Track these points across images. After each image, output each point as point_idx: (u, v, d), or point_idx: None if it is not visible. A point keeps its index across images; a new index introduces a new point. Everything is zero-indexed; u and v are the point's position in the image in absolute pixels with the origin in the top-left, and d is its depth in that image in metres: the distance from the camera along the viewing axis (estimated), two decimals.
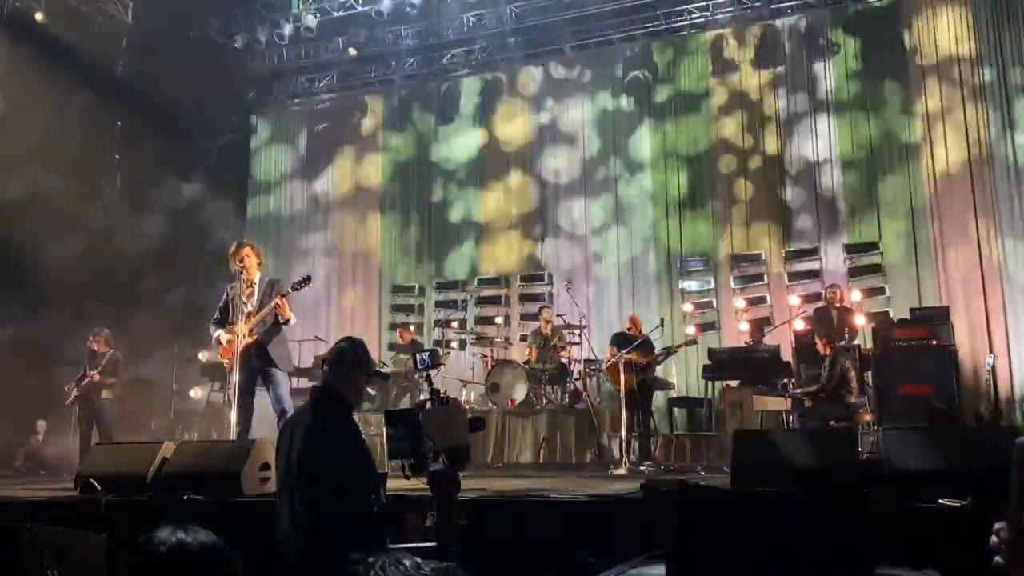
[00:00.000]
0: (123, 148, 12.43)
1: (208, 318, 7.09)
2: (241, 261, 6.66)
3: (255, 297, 6.67)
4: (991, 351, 9.91)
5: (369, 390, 8.92)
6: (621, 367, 8.65)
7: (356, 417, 3.98)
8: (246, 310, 6.60)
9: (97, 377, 9.71)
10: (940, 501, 4.28)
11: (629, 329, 9.52)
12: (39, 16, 11.55)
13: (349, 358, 3.81)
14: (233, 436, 6.49)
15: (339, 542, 3.38)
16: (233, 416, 6.53)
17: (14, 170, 10.41)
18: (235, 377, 6.50)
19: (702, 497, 4.49)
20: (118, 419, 10.12)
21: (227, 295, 6.82)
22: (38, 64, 11.20)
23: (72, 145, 11.13)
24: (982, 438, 5.43)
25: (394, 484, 4.31)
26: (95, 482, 5.70)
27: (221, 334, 6.68)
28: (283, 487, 3.65)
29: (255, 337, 6.55)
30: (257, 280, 6.75)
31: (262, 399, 6.79)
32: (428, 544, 3.40)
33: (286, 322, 6.62)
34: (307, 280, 6.66)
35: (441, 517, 3.56)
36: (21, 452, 11.01)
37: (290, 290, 6.53)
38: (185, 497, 5.34)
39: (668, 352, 9.44)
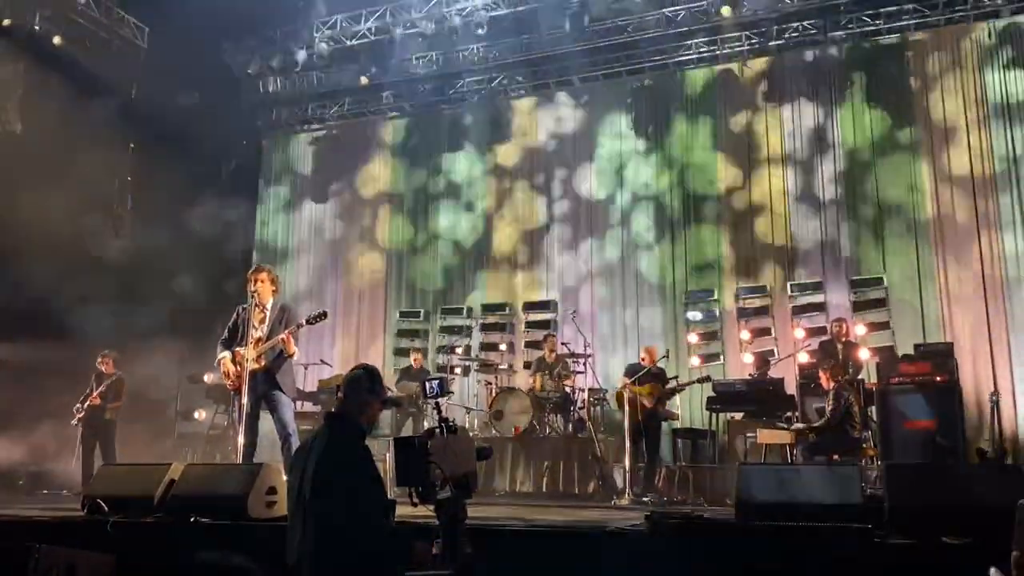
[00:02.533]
0: (135, 170, 12.55)
1: (214, 340, 7.12)
2: (255, 285, 6.73)
3: (266, 323, 6.71)
4: (995, 388, 9.92)
5: None
6: (626, 397, 8.68)
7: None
8: (256, 335, 6.65)
9: (99, 399, 9.76)
10: (943, 539, 4.30)
11: (643, 360, 9.46)
12: (57, 40, 11.74)
13: (363, 385, 3.86)
14: (239, 459, 6.52)
15: (350, 568, 3.41)
16: (240, 439, 6.55)
17: (27, 190, 10.51)
18: (242, 400, 6.54)
19: (707, 530, 4.53)
20: (122, 441, 10.16)
21: (238, 316, 6.86)
22: (55, 87, 11.36)
23: (85, 167, 11.23)
24: (985, 476, 5.44)
25: (401, 511, 4.34)
26: (102, 503, 5.74)
27: (227, 357, 6.69)
28: (295, 512, 3.68)
29: (263, 363, 6.59)
30: (270, 306, 6.80)
31: (268, 422, 6.82)
32: (437, 574, 3.44)
33: (290, 356, 6.68)
34: (323, 315, 6.67)
35: (448, 545, 3.59)
36: (29, 470, 10.99)
37: (304, 323, 6.57)
38: (192, 520, 5.36)
39: (676, 389, 9.40)
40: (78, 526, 5.64)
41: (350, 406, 3.83)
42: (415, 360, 11.88)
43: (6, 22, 11.35)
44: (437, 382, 4.26)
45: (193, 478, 5.90)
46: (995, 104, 11.11)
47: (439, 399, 4.30)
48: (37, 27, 11.58)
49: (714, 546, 4.59)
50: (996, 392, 9.68)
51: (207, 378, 11.37)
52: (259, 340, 6.62)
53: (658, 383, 9.08)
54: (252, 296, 6.70)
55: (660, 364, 9.32)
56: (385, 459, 7.02)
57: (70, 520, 5.82)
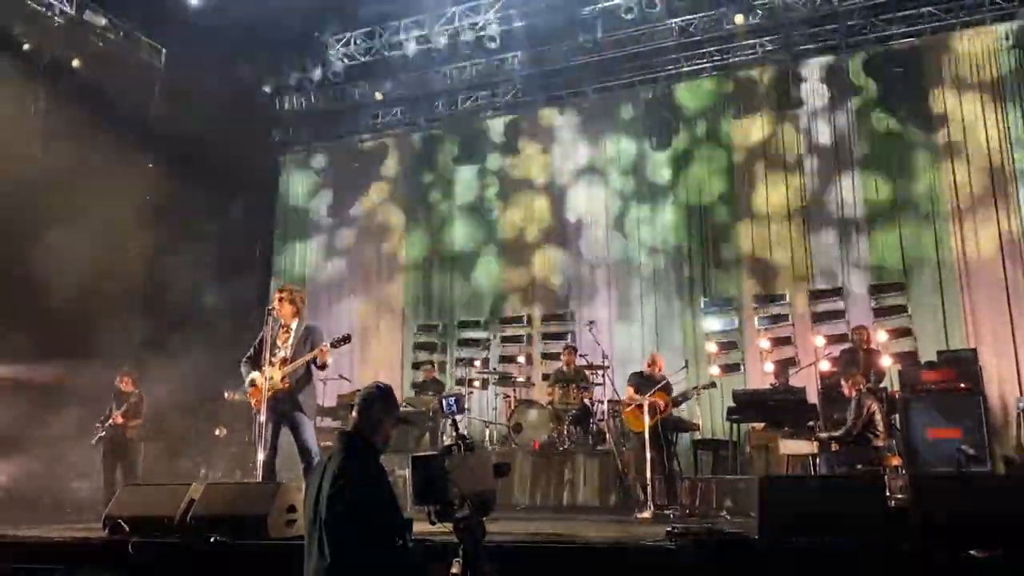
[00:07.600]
0: (154, 190, 12.65)
1: (234, 358, 7.13)
2: (276, 304, 6.76)
3: (291, 342, 6.72)
4: (1020, 394, 9.77)
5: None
6: (645, 409, 8.53)
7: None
8: (280, 355, 6.65)
9: (121, 418, 9.81)
10: (971, 551, 4.22)
11: (649, 366, 9.31)
12: (76, 63, 11.89)
13: (377, 404, 3.85)
14: (259, 478, 6.52)
15: None
16: (259, 456, 6.56)
17: (47, 212, 10.63)
18: (262, 418, 6.54)
19: (730, 546, 4.47)
20: (144, 459, 10.20)
21: (263, 336, 6.86)
22: (74, 110, 11.50)
23: (104, 187, 11.33)
24: (1014, 485, 5.35)
25: (419, 529, 4.32)
26: (123, 523, 5.75)
27: (255, 376, 6.71)
28: (311, 532, 3.67)
29: (287, 384, 6.59)
30: (294, 326, 6.80)
31: (288, 439, 6.80)
32: None
33: (322, 366, 6.68)
34: (347, 339, 6.71)
35: (468, 564, 3.56)
36: (52, 491, 11.03)
37: (329, 346, 6.59)
38: (212, 539, 5.37)
39: (684, 397, 9.22)
40: (99, 547, 5.65)
41: (363, 425, 3.81)
42: (427, 372, 11.91)
43: (26, 47, 11.51)
44: (454, 399, 4.23)
45: (213, 497, 5.91)
46: (1014, 107, 11.00)
47: (456, 416, 4.28)
48: (56, 51, 11.72)
49: (736, 562, 4.53)
50: (1022, 398, 9.52)
51: (228, 395, 11.40)
52: (284, 360, 6.63)
53: (665, 392, 8.88)
54: (269, 314, 6.74)
55: (679, 376, 9.18)
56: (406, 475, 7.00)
57: (92, 541, 5.84)
